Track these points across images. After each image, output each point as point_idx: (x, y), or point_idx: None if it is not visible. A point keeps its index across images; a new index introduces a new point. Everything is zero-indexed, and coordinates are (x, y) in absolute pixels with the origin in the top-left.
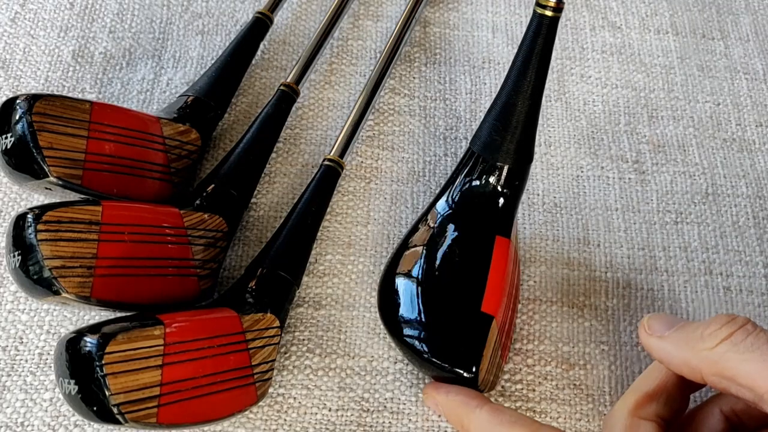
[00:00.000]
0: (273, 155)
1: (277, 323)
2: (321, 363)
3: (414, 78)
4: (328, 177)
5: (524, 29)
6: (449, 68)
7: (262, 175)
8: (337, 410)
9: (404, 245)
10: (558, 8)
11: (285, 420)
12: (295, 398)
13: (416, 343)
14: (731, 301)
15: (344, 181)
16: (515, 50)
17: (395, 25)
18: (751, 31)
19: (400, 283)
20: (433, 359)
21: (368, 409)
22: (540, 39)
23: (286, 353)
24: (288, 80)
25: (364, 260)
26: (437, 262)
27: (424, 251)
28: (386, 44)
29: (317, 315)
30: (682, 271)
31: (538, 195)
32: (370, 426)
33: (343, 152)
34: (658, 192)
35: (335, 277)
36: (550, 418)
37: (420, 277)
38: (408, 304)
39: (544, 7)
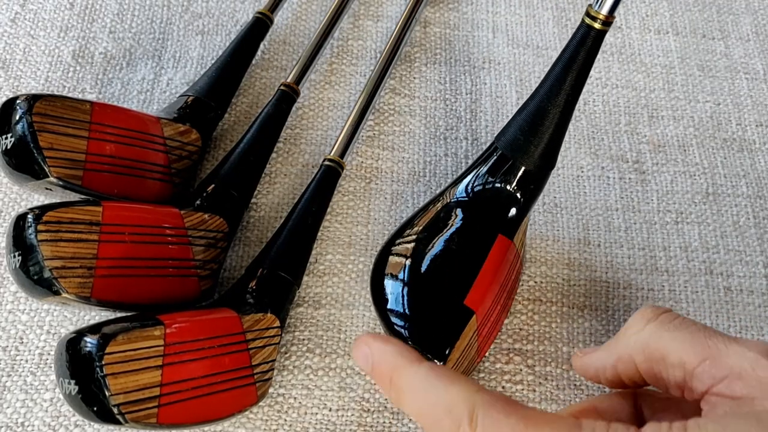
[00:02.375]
0: (273, 155)
1: (277, 323)
2: (321, 363)
3: (414, 78)
4: (329, 177)
5: (525, 29)
6: (449, 68)
7: (263, 175)
8: (338, 410)
9: (408, 224)
10: (608, 22)
11: (285, 420)
12: (295, 398)
13: (396, 320)
14: (732, 301)
15: (344, 181)
16: (515, 50)
17: (395, 25)
18: (752, 31)
19: (393, 261)
20: (407, 339)
21: (369, 409)
22: (583, 50)
23: (286, 353)
24: (288, 80)
25: (364, 260)
26: (434, 247)
27: (424, 234)
28: (386, 44)
29: (317, 314)
30: (683, 271)
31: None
32: (371, 426)
33: (343, 152)
34: (659, 192)
35: (335, 276)
36: None
37: (413, 258)
38: (396, 283)
39: (594, 18)
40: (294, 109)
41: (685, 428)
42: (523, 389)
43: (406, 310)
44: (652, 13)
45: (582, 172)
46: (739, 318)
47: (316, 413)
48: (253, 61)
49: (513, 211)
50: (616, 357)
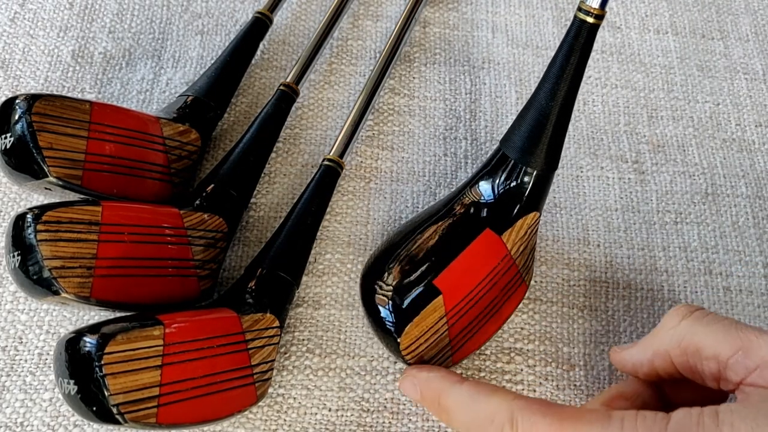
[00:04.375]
0: (273, 155)
1: (276, 323)
2: (321, 363)
3: (413, 78)
4: (328, 177)
5: (524, 29)
6: (449, 68)
7: (262, 175)
8: (337, 410)
9: (411, 231)
10: (600, 15)
11: (285, 420)
12: (294, 398)
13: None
14: (731, 301)
15: (344, 180)
16: (515, 50)
17: (395, 25)
18: (751, 32)
19: (389, 243)
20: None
21: (368, 409)
22: (578, 45)
23: (285, 353)
24: (288, 80)
25: (363, 259)
26: (426, 234)
27: (426, 226)
28: (386, 44)
29: (317, 315)
30: (682, 271)
31: None
32: (370, 426)
33: (342, 152)
34: (658, 192)
35: (334, 276)
36: None
37: (407, 241)
38: (381, 259)
39: (587, 13)
40: (293, 109)
41: (716, 413)
42: (523, 389)
43: (390, 305)
44: (651, 13)
45: (581, 172)
46: (738, 318)
47: (316, 413)
48: (253, 61)
49: (507, 209)
50: (652, 352)
